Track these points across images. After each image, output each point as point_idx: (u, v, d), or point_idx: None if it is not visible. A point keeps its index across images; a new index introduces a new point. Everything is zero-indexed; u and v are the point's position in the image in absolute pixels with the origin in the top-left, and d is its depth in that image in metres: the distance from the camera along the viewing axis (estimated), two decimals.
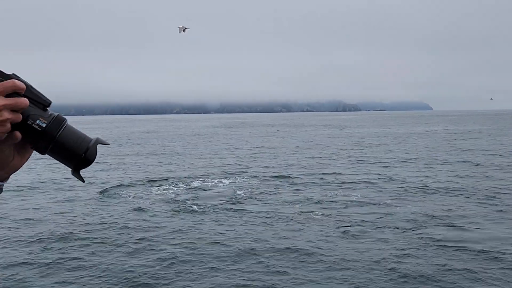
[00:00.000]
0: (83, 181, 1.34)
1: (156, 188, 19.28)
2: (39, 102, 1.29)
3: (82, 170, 1.32)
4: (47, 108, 1.31)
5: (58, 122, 1.29)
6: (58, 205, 16.26)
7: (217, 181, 20.72)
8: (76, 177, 1.32)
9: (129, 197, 17.38)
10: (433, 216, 13.58)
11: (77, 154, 1.30)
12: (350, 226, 12.64)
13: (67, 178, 22.04)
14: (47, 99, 1.30)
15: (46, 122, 1.27)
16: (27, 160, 1.37)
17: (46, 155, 1.32)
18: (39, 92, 1.30)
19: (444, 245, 10.92)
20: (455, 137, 51.26)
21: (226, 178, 21.84)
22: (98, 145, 1.33)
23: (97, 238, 11.98)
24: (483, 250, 10.59)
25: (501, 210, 14.33)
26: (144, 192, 18.28)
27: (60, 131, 1.29)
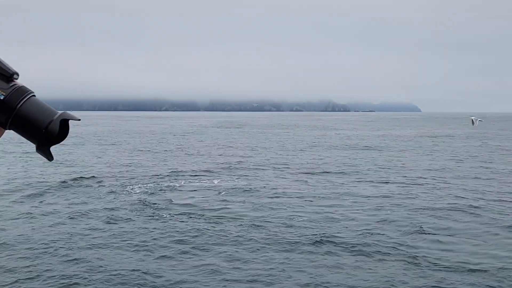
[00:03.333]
0: (50, 159, 1.23)
1: (136, 186, 19.08)
2: (1, 73, 1.20)
3: (52, 147, 1.21)
4: (15, 79, 1.22)
5: (19, 93, 1.20)
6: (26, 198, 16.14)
7: (208, 180, 20.64)
8: (41, 154, 1.22)
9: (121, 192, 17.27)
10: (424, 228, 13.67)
11: (38, 128, 1.18)
12: (332, 232, 12.39)
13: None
14: (10, 70, 1.22)
15: (4, 93, 1.19)
16: None
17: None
18: (0, 63, 1.21)
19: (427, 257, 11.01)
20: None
21: (215, 177, 21.79)
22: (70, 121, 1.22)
23: (58, 238, 11.56)
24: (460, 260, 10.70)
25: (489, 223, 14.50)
26: (124, 190, 18.11)
27: (21, 103, 1.19)
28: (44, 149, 1.21)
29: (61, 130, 1.22)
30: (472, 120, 32.60)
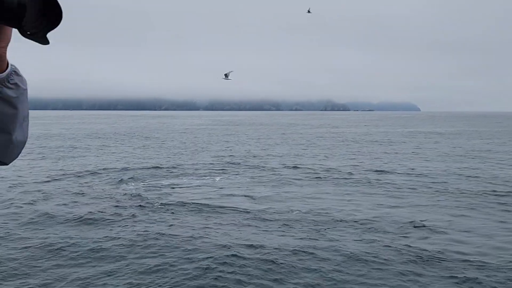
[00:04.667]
0: (42, 42, 1.07)
1: (135, 182, 18.77)
2: None
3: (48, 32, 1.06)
4: None
5: None
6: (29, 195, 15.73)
7: (209, 178, 20.36)
8: (29, 38, 1.05)
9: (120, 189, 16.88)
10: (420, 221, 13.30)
11: (11, 2, 0.99)
12: (335, 226, 12.09)
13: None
14: None
15: None
16: (7, 37, 1.12)
17: None
18: None
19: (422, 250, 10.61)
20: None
21: (217, 174, 21.46)
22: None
23: (56, 235, 11.15)
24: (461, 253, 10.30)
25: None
26: (121, 187, 17.75)
27: None
28: (30, 34, 1.03)
29: (45, 9, 1.05)
30: (225, 75, 33.77)
